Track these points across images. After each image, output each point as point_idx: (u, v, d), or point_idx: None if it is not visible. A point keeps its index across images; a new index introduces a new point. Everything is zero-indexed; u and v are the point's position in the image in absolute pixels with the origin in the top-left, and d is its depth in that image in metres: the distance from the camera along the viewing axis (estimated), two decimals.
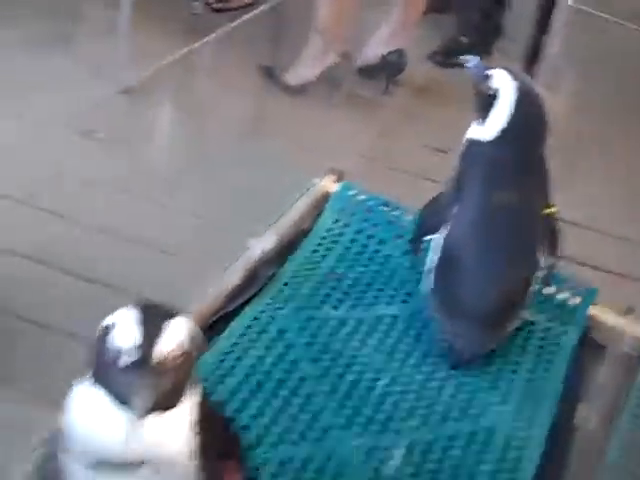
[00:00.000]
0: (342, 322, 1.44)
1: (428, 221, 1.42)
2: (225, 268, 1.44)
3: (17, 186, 2.12)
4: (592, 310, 1.56)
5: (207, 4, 3.04)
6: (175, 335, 0.79)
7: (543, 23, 1.87)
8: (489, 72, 1.32)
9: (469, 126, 1.44)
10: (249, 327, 1.39)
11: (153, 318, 0.79)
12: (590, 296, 1.57)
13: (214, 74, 2.62)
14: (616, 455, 1.33)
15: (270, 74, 2.71)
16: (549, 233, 1.39)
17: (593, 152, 2.61)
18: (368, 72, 2.85)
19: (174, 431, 0.78)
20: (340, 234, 1.61)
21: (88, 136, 2.35)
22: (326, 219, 1.63)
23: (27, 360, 1.56)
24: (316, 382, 1.33)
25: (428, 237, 1.40)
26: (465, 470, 1.27)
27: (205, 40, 2.66)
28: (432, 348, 1.43)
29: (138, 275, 1.78)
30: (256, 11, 2.44)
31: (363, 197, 1.66)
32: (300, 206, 1.63)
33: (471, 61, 1.35)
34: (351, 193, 1.66)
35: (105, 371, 0.78)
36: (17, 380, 1.49)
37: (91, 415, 0.80)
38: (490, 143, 1.31)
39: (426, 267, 1.41)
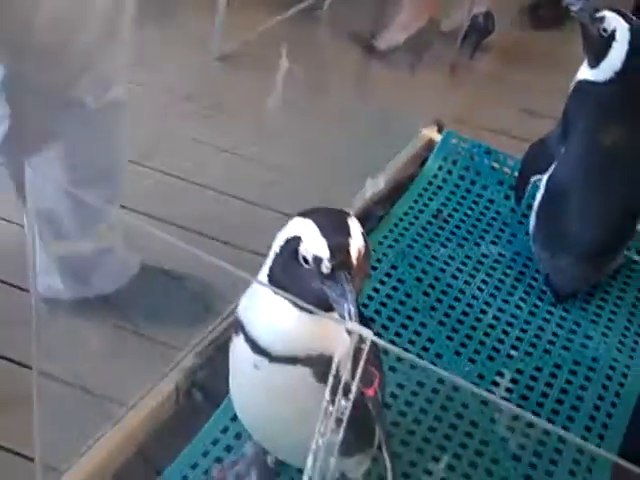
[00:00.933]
0: (450, 259, 1.52)
1: (535, 161, 1.48)
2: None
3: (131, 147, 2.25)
4: None
5: None
6: (358, 232, 0.83)
7: None
8: (599, 14, 1.35)
9: (556, 87, 1.47)
10: None
11: (332, 222, 0.84)
12: None
13: (307, 41, 2.71)
14: None
15: (360, 40, 2.79)
16: None
17: None
18: (455, 36, 2.90)
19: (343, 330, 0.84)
20: (445, 179, 1.69)
21: (189, 100, 2.47)
22: (431, 165, 1.71)
23: None
24: (427, 313, 1.42)
25: (535, 177, 1.46)
26: (570, 396, 1.34)
27: (298, 8, 2.75)
28: (535, 284, 1.51)
29: (249, 231, 1.87)
30: None
31: (466, 145, 1.73)
32: (406, 153, 1.72)
33: (577, 4, 1.38)
34: (454, 141, 1.74)
35: (298, 278, 0.82)
36: None
37: (269, 311, 0.88)
38: (603, 84, 1.35)
39: (534, 206, 1.48)
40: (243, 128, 2.30)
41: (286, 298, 0.82)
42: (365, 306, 1.41)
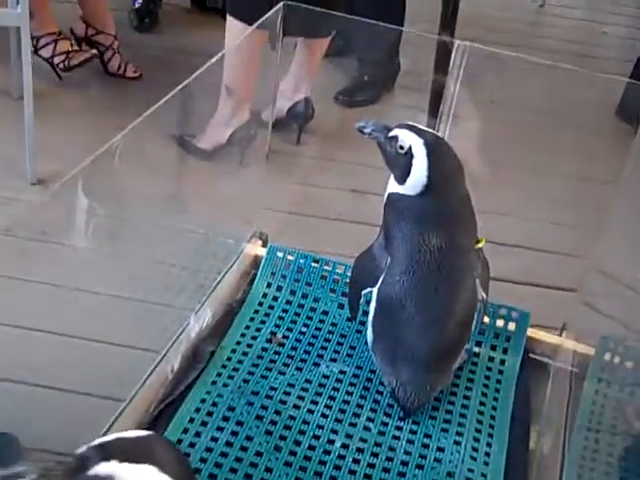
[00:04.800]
0: (290, 387, 1.43)
1: (364, 274, 1.42)
2: (166, 350, 1.41)
3: None
4: (529, 332, 1.59)
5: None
6: None
7: (442, 63, 1.94)
8: (392, 134, 1.32)
9: (378, 165, 1.43)
10: (197, 411, 1.36)
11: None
12: (525, 319, 1.60)
13: (128, 156, 2.60)
14: (572, 473, 1.36)
15: (182, 143, 2.71)
16: (480, 267, 1.41)
17: (508, 181, 2.66)
18: (278, 126, 2.88)
19: None
20: (275, 298, 1.61)
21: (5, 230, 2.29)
22: (259, 285, 1.62)
23: None
24: (272, 454, 1.32)
25: (366, 290, 1.40)
26: None
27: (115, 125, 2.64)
28: (381, 399, 1.44)
29: (76, 371, 1.72)
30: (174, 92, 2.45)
31: (291, 257, 1.66)
32: (232, 275, 1.62)
33: (368, 127, 1.34)
34: (279, 255, 1.66)
35: None
36: None
37: None
38: (415, 197, 1.31)
39: (369, 319, 1.42)
40: (62, 259, 2.14)
41: None
42: (204, 461, 1.29)
